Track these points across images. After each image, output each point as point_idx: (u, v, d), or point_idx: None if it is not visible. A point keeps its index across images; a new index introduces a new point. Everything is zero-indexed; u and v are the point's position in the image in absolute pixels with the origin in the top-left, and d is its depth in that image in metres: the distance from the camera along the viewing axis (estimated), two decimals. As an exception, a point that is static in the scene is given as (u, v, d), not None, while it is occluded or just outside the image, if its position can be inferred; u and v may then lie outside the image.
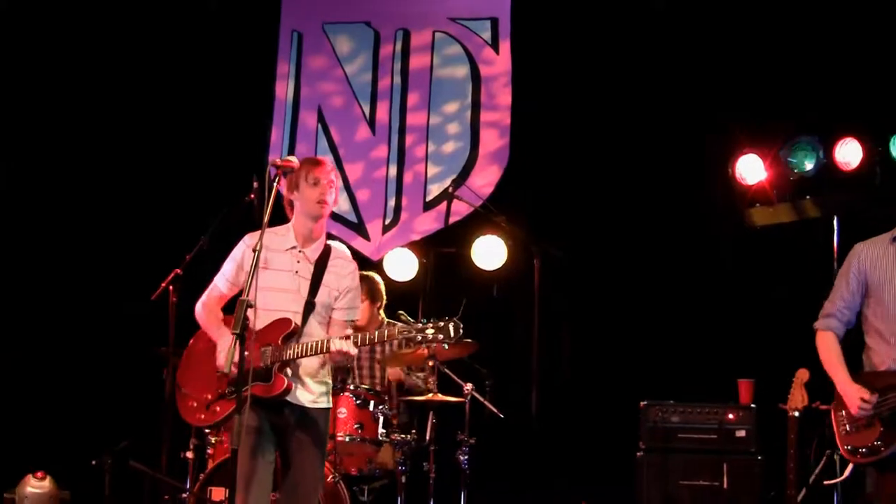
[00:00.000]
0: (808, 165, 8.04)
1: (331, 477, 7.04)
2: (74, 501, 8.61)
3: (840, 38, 8.26)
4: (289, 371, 5.52)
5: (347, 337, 5.44)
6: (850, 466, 5.88)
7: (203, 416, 5.67)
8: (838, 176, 8.00)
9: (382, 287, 8.08)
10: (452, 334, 5.28)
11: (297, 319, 5.57)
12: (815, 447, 7.36)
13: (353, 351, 5.44)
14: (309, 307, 5.62)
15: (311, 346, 5.45)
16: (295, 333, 5.53)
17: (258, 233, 5.51)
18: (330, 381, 5.76)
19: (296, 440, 5.60)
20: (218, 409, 5.62)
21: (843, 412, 5.73)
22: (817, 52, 8.32)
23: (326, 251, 5.78)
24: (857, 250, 5.90)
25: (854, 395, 5.63)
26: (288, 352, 5.48)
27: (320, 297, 5.66)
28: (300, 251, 5.70)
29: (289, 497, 5.61)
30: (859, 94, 8.13)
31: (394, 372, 7.92)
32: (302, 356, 5.49)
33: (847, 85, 8.17)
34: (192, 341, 5.94)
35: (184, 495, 7.48)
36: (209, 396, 5.65)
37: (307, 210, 5.68)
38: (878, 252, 5.82)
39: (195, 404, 5.69)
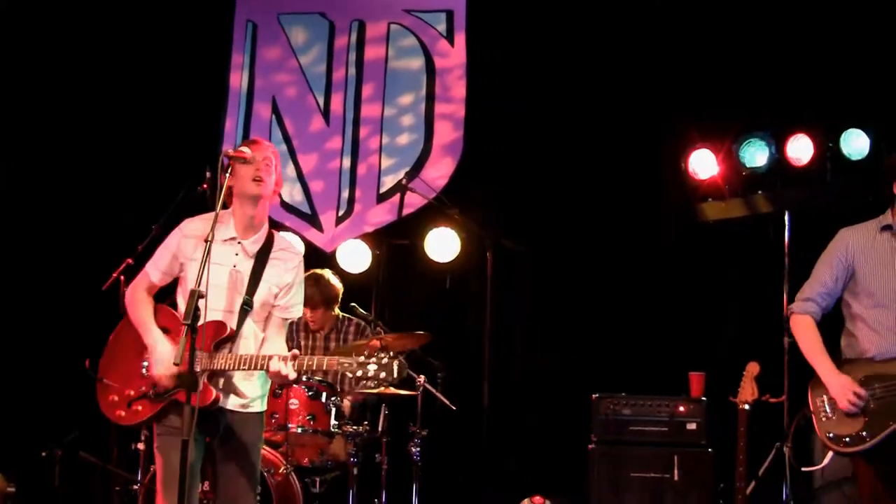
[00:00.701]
0: (760, 161, 8.08)
1: (283, 468, 7.03)
2: (23, 493, 8.51)
3: (792, 35, 8.31)
4: (220, 381, 5.28)
5: (288, 358, 5.12)
6: (829, 454, 5.87)
7: (123, 414, 5.29)
8: (790, 171, 8.05)
9: (336, 283, 8.05)
10: (396, 374, 4.97)
11: (232, 321, 5.29)
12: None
13: (292, 375, 5.12)
14: (245, 307, 5.32)
15: (246, 360, 5.17)
16: (229, 339, 5.26)
17: (195, 220, 5.44)
18: (266, 386, 5.47)
19: (226, 446, 5.36)
20: (140, 408, 5.34)
21: (824, 398, 5.62)
22: (769, 48, 8.37)
23: (269, 242, 5.46)
24: (845, 238, 5.80)
25: (844, 388, 5.53)
26: (219, 362, 5.20)
27: (259, 295, 5.35)
28: (239, 242, 5.39)
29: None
30: (811, 90, 8.19)
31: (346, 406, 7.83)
32: (234, 369, 5.21)
33: (799, 81, 8.23)
34: (119, 327, 5.65)
35: (134, 487, 7.42)
36: (132, 393, 5.37)
37: (243, 190, 5.35)
38: (866, 240, 5.74)
39: (116, 399, 5.35)
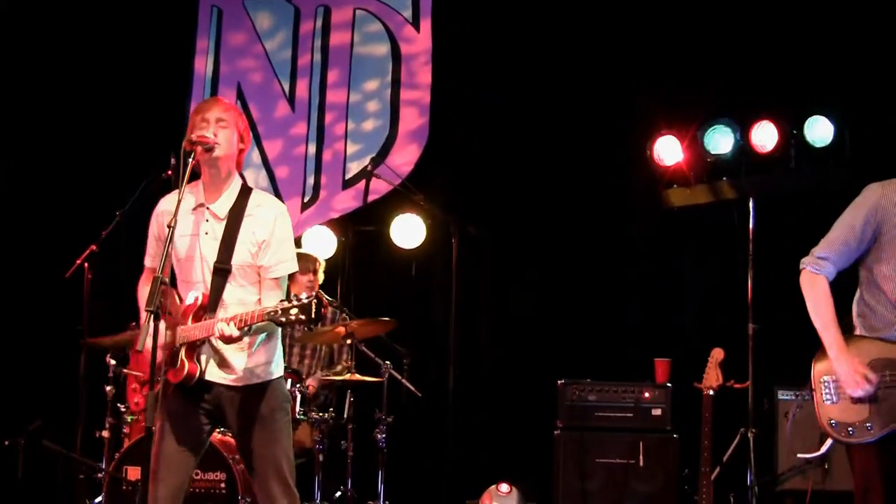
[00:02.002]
0: (725, 147, 8.10)
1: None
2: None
3: (756, 23, 8.34)
4: (202, 355, 5.13)
5: (229, 319, 4.92)
6: (828, 441, 5.16)
7: (138, 399, 5.44)
8: (754, 158, 8.07)
9: (312, 254, 8.06)
10: (313, 315, 4.77)
11: (207, 290, 5.13)
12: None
13: (236, 333, 4.91)
14: (220, 273, 5.12)
15: (207, 328, 5.00)
16: (204, 309, 5.10)
17: (170, 196, 5.30)
18: (270, 351, 5.25)
19: (237, 422, 5.18)
20: (147, 392, 5.18)
21: (829, 379, 5.05)
22: (734, 35, 8.39)
23: (243, 200, 5.22)
24: (876, 193, 5.08)
25: (854, 372, 4.94)
26: (185, 333, 5.06)
27: (238, 257, 5.14)
28: (207, 207, 5.19)
29: (254, 482, 5.25)
30: (775, 77, 8.22)
31: (312, 388, 7.83)
32: (197, 338, 5.05)
33: (764, 69, 8.25)
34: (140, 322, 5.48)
35: (99, 475, 7.39)
36: (146, 378, 5.20)
37: (201, 153, 5.12)
38: None
39: (135, 386, 5.47)
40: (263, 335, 5.22)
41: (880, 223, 5.03)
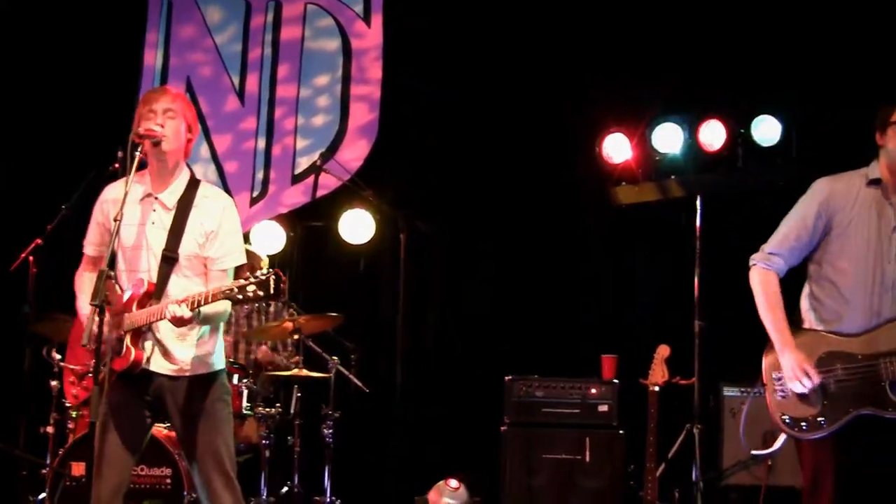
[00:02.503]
0: (674, 146, 8.13)
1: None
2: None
3: (705, 22, 8.38)
4: (146, 342, 5.10)
5: (181, 301, 4.89)
6: (782, 436, 5.18)
7: (76, 392, 5.38)
8: (702, 156, 8.12)
9: (257, 253, 8.02)
10: (272, 290, 4.75)
11: (153, 279, 5.09)
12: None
13: (188, 314, 4.87)
14: (167, 262, 5.10)
15: (154, 312, 4.96)
16: (149, 296, 5.05)
17: (116, 185, 5.27)
18: (213, 343, 5.24)
19: (179, 414, 5.16)
20: (87, 384, 5.24)
21: (781, 374, 5.04)
22: (683, 34, 8.43)
23: (191, 191, 5.21)
24: (826, 189, 5.11)
25: (796, 368, 4.96)
26: (131, 319, 5.01)
27: (185, 248, 5.13)
28: (155, 198, 5.17)
29: (195, 475, 5.24)
30: (724, 77, 8.26)
31: (263, 352, 7.83)
32: (143, 323, 4.99)
33: (712, 68, 8.30)
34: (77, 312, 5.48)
35: (43, 471, 7.32)
36: (83, 371, 5.30)
37: (149, 145, 5.10)
38: (850, 194, 5.07)
39: (73, 380, 5.39)
40: (207, 328, 5.21)
41: (830, 217, 5.05)
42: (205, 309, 4.95)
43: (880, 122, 5.07)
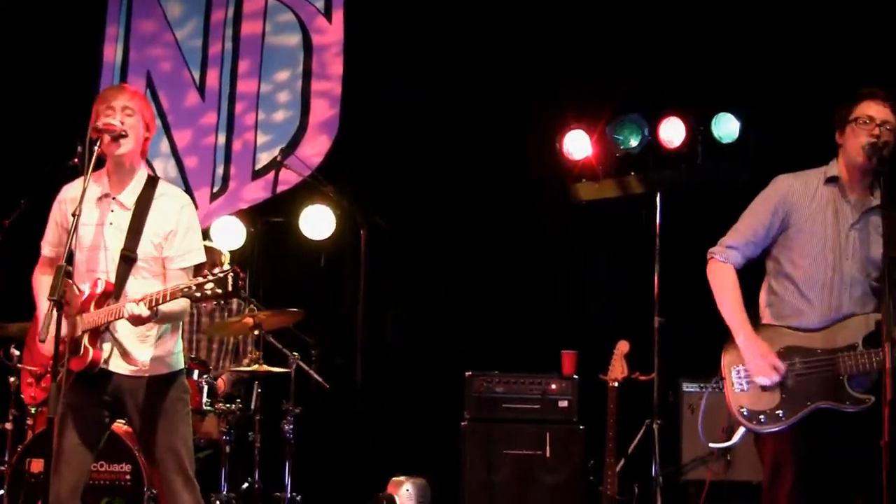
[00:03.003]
0: (634, 142, 8.16)
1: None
2: None
3: (665, 20, 8.42)
4: (104, 343, 5.07)
5: (139, 300, 4.86)
6: (740, 430, 5.16)
7: (34, 393, 5.35)
8: (662, 153, 8.15)
9: (218, 248, 8.00)
10: (231, 287, 4.74)
11: (111, 280, 5.06)
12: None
13: (146, 313, 4.85)
14: (126, 262, 5.08)
15: (113, 311, 4.94)
16: (107, 295, 5.03)
17: (74, 184, 5.25)
18: (173, 343, 5.23)
19: (138, 414, 5.14)
20: (44, 385, 5.21)
21: (740, 368, 5.08)
22: (643, 32, 8.47)
23: (149, 191, 5.18)
24: (784, 185, 5.19)
25: (763, 361, 5.00)
26: (89, 319, 5.00)
27: (143, 248, 5.10)
28: (113, 198, 5.16)
29: (154, 473, 5.23)
30: (683, 74, 8.30)
31: (223, 381, 7.76)
32: (101, 323, 4.97)
33: (672, 65, 8.34)
34: (36, 314, 5.42)
35: (1, 468, 7.27)
36: (40, 372, 5.30)
37: (106, 144, 5.06)
38: (807, 191, 5.12)
39: (31, 380, 5.37)
40: (167, 326, 5.20)
41: (788, 213, 5.12)
42: (163, 307, 4.94)
43: (839, 121, 5.13)
